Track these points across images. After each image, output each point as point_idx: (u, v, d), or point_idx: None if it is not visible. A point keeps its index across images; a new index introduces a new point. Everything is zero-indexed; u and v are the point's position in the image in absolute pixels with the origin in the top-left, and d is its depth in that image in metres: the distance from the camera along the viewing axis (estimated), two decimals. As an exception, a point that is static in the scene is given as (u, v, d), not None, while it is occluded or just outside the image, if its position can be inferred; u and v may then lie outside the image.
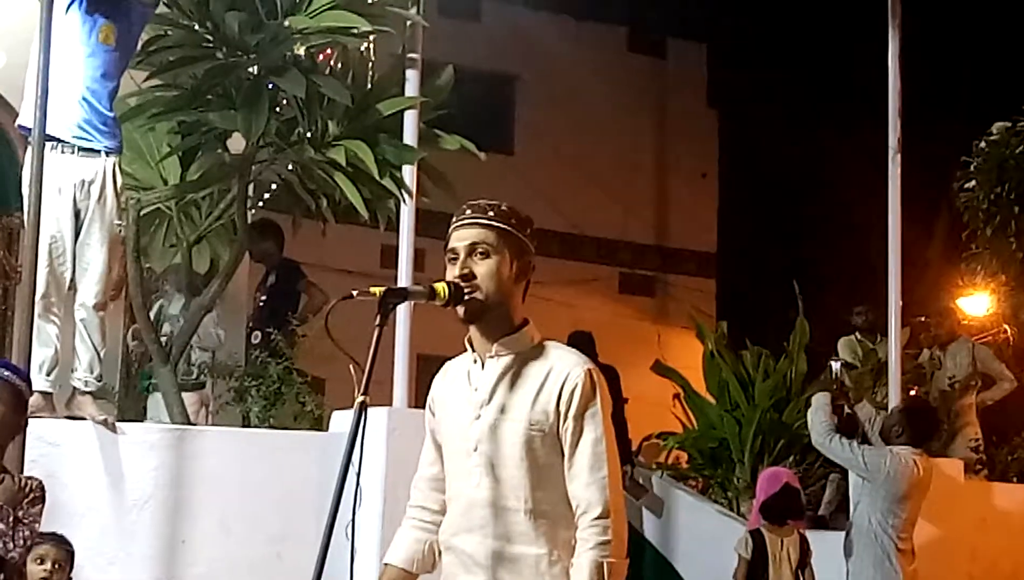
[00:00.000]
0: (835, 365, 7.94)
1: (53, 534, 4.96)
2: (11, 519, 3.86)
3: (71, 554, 4.94)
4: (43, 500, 4.15)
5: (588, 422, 3.17)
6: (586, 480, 3.14)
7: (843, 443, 7.02)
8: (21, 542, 3.88)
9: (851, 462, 7.01)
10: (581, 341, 8.15)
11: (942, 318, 9.74)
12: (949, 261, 11.38)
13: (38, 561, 4.83)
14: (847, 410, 7.42)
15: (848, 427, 7.32)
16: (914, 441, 6.97)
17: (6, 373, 4.18)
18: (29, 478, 4.13)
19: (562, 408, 3.17)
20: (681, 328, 14.23)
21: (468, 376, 3.30)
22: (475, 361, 3.29)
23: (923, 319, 9.59)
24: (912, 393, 8.68)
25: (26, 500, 4.00)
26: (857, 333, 9.86)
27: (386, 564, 3.38)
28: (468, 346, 3.31)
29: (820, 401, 7.18)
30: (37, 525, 4.02)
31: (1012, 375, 9.67)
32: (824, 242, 16.03)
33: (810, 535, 8.60)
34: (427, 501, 3.38)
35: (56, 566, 4.85)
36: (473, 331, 3.28)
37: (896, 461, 6.84)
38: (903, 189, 8.05)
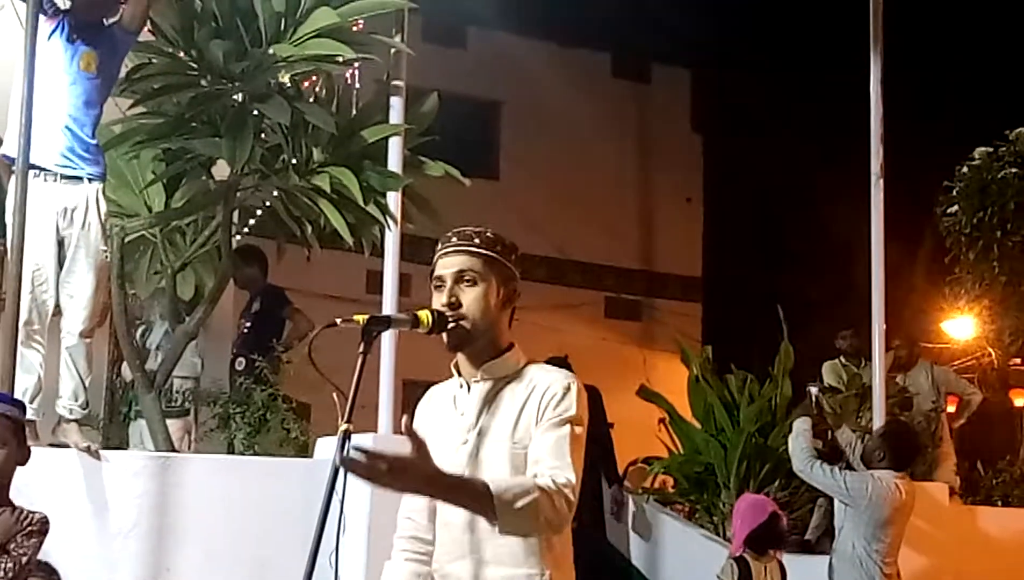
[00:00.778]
0: (813, 390, 7.92)
1: (39, 563, 4.93)
2: None
3: None
4: (42, 534, 4.12)
5: (561, 424, 3.13)
6: (552, 464, 3.08)
7: (824, 469, 6.99)
8: (2, 573, 3.85)
9: (833, 488, 6.98)
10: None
11: (903, 343, 9.77)
12: (933, 285, 11.43)
13: None
14: (829, 435, 7.40)
15: (832, 453, 7.31)
16: (896, 464, 6.95)
17: (8, 408, 4.14)
18: (32, 512, 4.11)
19: (540, 414, 3.16)
20: (667, 352, 14.23)
21: (454, 401, 3.30)
22: (461, 386, 3.29)
23: (897, 344, 9.62)
24: (894, 417, 8.68)
25: (21, 533, 3.97)
26: (842, 357, 9.89)
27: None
28: (455, 371, 3.32)
29: (800, 427, 7.17)
30: (26, 558, 3.98)
31: (976, 388, 9.75)
32: (808, 267, 16.07)
33: (797, 560, 8.61)
34: (420, 531, 3.34)
35: None
36: (460, 357, 3.29)
37: (878, 486, 6.82)
38: (886, 214, 8.08)
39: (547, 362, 3.43)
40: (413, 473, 2.91)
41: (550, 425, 3.15)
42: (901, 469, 6.97)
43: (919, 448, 7.57)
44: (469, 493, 2.99)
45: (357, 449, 2.87)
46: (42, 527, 4.09)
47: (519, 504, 2.97)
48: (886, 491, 6.81)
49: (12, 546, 3.90)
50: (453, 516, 3.23)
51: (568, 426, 3.15)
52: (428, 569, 3.30)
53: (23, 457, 4.34)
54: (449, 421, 3.29)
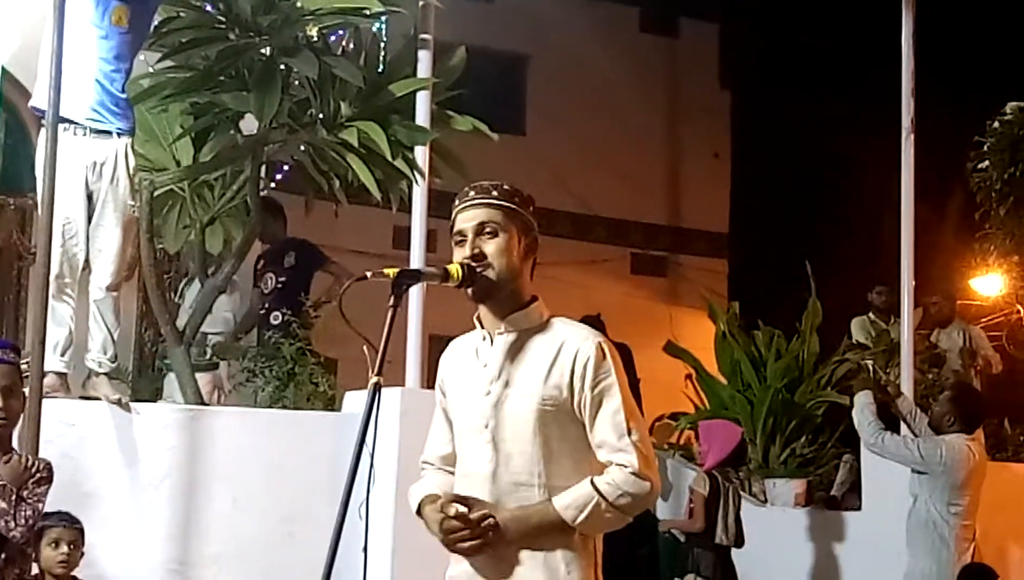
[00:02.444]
0: (870, 363, 7.85)
1: (59, 513, 4.97)
2: (14, 498, 3.85)
3: (81, 531, 4.97)
4: (50, 480, 4.14)
5: (605, 393, 3.18)
6: (614, 446, 3.16)
7: (895, 439, 6.89)
8: (23, 521, 3.86)
9: (907, 457, 6.82)
10: (590, 324, 8.16)
11: (944, 299, 9.74)
12: (962, 241, 11.34)
13: (52, 546, 4.85)
14: (895, 400, 7.29)
15: (895, 421, 7.23)
16: (965, 427, 6.80)
17: (10, 355, 4.14)
18: (38, 458, 4.12)
19: (576, 383, 3.18)
20: (693, 308, 14.23)
21: (476, 353, 3.31)
22: (484, 338, 3.30)
23: (933, 300, 9.60)
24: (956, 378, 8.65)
25: (32, 480, 3.98)
26: (871, 313, 9.87)
27: (424, 497, 3.32)
28: (478, 323, 3.32)
29: (862, 401, 7.03)
30: (41, 505, 4.00)
31: (997, 355, 9.73)
32: (837, 222, 15.99)
33: (824, 516, 8.67)
34: (439, 483, 3.37)
35: (71, 547, 4.88)
36: (483, 309, 3.29)
37: (951, 450, 6.70)
38: (916, 169, 8.02)
39: (581, 321, 3.43)
40: (500, 516, 3.15)
41: (597, 400, 3.18)
42: (971, 431, 6.83)
43: (986, 409, 7.45)
44: (543, 516, 3.15)
45: (457, 516, 3.14)
46: (49, 473, 4.11)
47: (581, 517, 3.14)
48: (959, 454, 6.69)
49: (26, 493, 3.91)
50: (472, 468, 3.26)
51: (616, 394, 3.19)
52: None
53: (24, 402, 4.36)
54: (472, 373, 3.30)
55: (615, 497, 3.13)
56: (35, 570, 4.74)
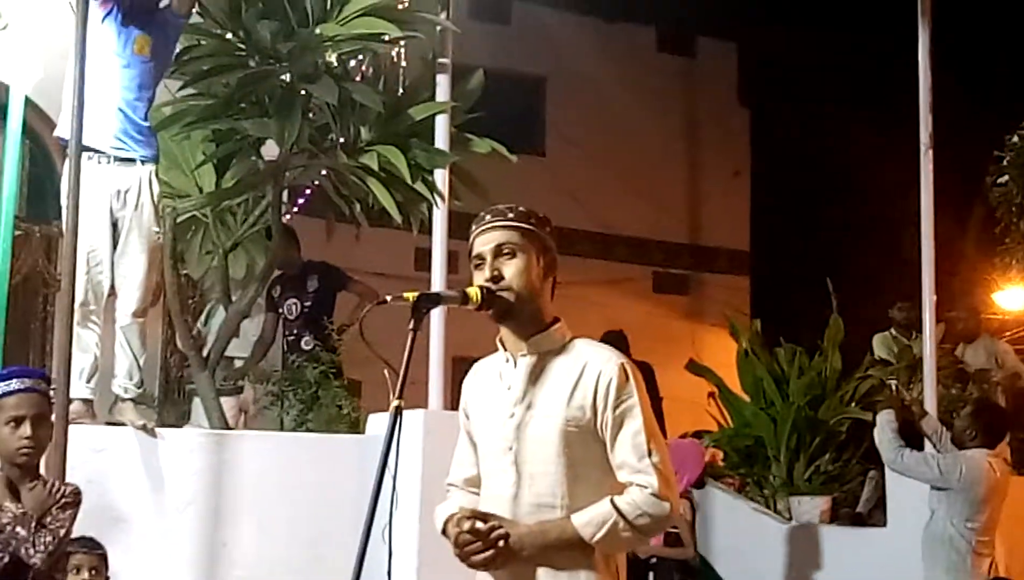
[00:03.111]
0: (894, 383, 7.85)
1: (82, 539, 5.00)
2: (33, 525, 3.85)
3: (104, 557, 4.98)
4: (76, 505, 4.13)
5: (626, 414, 3.20)
6: (635, 467, 3.17)
7: (915, 456, 6.86)
8: (42, 548, 3.86)
9: (926, 474, 6.80)
10: (614, 340, 8.18)
11: (969, 314, 9.70)
12: (983, 256, 11.32)
13: (74, 571, 4.87)
14: (917, 419, 7.28)
15: (919, 440, 7.21)
16: (987, 442, 6.78)
17: (41, 385, 4.17)
18: (65, 483, 4.13)
19: (599, 404, 3.19)
20: (715, 326, 14.21)
21: (500, 375, 3.33)
22: (507, 360, 3.32)
23: (955, 314, 9.57)
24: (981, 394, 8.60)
25: (55, 506, 3.99)
26: (893, 329, 9.85)
27: (448, 517, 3.32)
28: (500, 346, 3.34)
29: (884, 418, 7.01)
30: (64, 531, 4.00)
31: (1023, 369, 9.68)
32: (858, 239, 15.97)
33: (850, 533, 8.63)
34: (464, 504, 3.40)
35: (92, 572, 4.90)
36: (504, 330, 3.31)
37: (971, 465, 6.67)
38: (936, 185, 8.01)
39: (604, 336, 3.46)
40: (515, 530, 3.16)
41: (618, 420, 3.20)
42: (992, 446, 6.80)
43: (1009, 424, 7.42)
44: (561, 532, 3.16)
45: (471, 530, 3.16)
46: (75, 498, 4.11)
47: (600, 535, 3.15)
48: (979, 470, 6.65)
49: (48, 519, 3.92)
50: (496, 490, 3.27)
51: (637, 415, 3.20)
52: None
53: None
54: (496, 395, 3.32)
55: (634, 516, 3.14)
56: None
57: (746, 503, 9.32)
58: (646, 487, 3.15)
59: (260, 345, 8.16)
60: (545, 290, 3.31)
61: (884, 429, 6.96)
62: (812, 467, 9.11)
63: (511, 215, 3.29)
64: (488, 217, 3.30)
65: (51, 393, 4.44)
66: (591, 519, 3.15)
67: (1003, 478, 6.81)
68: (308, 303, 8.09)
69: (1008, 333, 11.34)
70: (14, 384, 4.00)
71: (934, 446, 7.23)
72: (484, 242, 3.28)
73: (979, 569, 6.64)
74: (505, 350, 3.33)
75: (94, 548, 4.97)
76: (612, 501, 3.15)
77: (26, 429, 3.94)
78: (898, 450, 6.86)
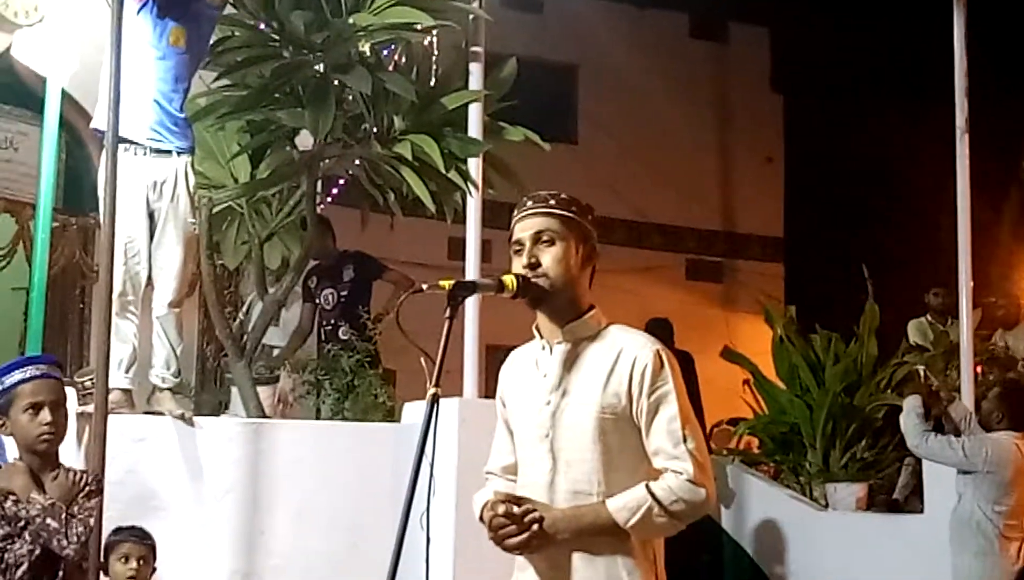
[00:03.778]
0: (921, 369, 7.79)
1: (133, 528, 5.05)
2: (63, 516, 3.83)
3: (153, 548, 5.04)
4: (100, 492, 4.13)
5: (662, 401, 3.19)
6: (670, 453, 3.17)
7: (940, 440, 6.79)
8: (75, 538, 3.85)
9: (951, 458, 6.76)
10: (658, 328, 8.18)
11: (1009, 301, 9.64)
12: (1020, 241, 11.25)
13: (122, 560, 4.94)
14: (945, 405, 7.22)
15: (947, 427, 7.16)
16: (1014, 424, 6.72)
17: (55, 371, 4.15)
18: (84, 471, 4.11)
19: (634, 390, 3.19)
20: (749, 313, 14.17)
21: (536, 363, 3.33)
22: (543, 347, 3.32)
23: (993, 300, 9.51)
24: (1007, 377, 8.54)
25: (81, 494, 3.97)
26: (928, 315, 9.80)
27: (485, 503, 3.32)
28: (536, 333, 3.34)
29: (910, 404, 6.95)
30: (92, 519, 3.99)
31: None
32: (892, 224, 15.87)
33: (886, 519, 8.60)
34: (501, 490, 3.40)
35: (140, 562, 4.96)
36: (541, 318, 3.32)
37: (997, 448, 6.62)
38: (972, 169, 7.95)
39: (648, 324, 3.46)
40: (549, 514, 3.16)
41: (654, 407, 3.19)
42: (1020, 428, 6.74)
43: None
44: (596, 516, 3.16)
45: (505, 514, 3.17)
46: (98, 485, 4.09)
47: (634, 519, 3.14)
48: (1006, 452, 6.60)
49: (76, 509, 3.91)
50: (533, 478, 3.28)
51: (673, 402, 3.20)
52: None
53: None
54: (532, 383, 3.32)
55: (670, 502, 3.14)
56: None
57: (782, 490, 9.29)
58: (681, 473, 3.15)
59: (297, 335, 8.20)
60: (583, 278, 3.30)
61: (910, 414, 6.93)
62: (848, 454, 9.07)
63: (552, 202, 3.29)
64: (530, 203, 3.30)
65: (87, 381, 4.48)
66: (626, 504, 3.15)
67: None
68: (344, 293, 8.12)
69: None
70: (30, 371, 3.98)
71: (961, 433, 7.18)
72: (524, 228, 3.27)
73: (1008, 552, 6.58)
74: (541, 337, 3.33)
75: (144, 539, 5.02)
76: (647, 486, 3.15)
77: (45, 415, 3.93)
78: (923, 434, 6.82)
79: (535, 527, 3.15)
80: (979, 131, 8.02)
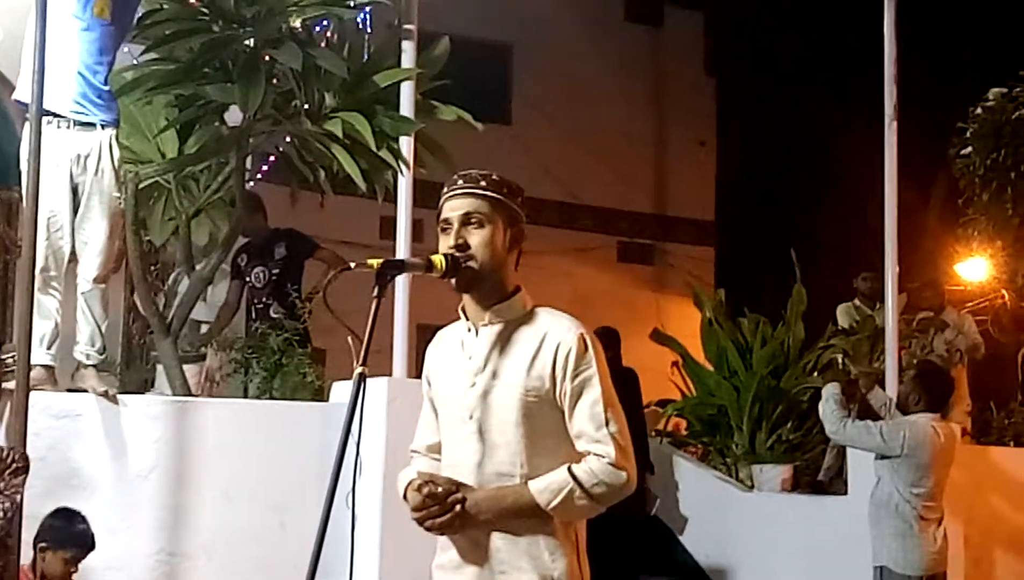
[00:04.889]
0: (839, 357, 7.88)
1: (61, 510, 4.96)
2: None
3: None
4: (26, 470, 4.08)
5: (585, 384, 3.19)
6: (592, 436, 3.17)
7: (857, 426, 6.84)
8: (1, 514, 3.82)
9: (870, 443, 6.81)
10: (605, 336, 8.17)
11: (932, 291, 9.75)
12: (946, 227, 11.40)
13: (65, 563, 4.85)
14: (864, 393, 7.30)
15: (867, 414, 7.23)
16: (932, 406, 6.80)
17: None
18: (12, 449, 4.06)
19: (558, 374, 3.19)
20: (679, 296, 14.27)
21: (462, 345, 3.32)
22: (469, 329, 3.31)
23: (918, 286, 9.64)
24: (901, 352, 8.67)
25: (8, 471, 3.93)
26: (857, 299, 9.91)
27: (408, 482, 3.30)
28: (462, 314, 3.33)
29: (829, 391, 7.00)
30: (19, 496, 3.95)
31: (982, 341, 9.76)
32: (822, 209, 16.04)
33: (810, 501, 8.71)
34: (425, 470, 3.40)
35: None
36: (467, 299, 3.30)
37: (915, 431, 6.67)
38: (900, 156, 8.04)
39: (598, 331, 3.44)
40: (471, 495, 3.17)
41: (577, 390, 3.19)
42: (937, 410, 6.82)
43: (952, 387, 7.45)
44: (517, 497, 3.17)
45: (429, 494, 3.17)
46: (25, 463, 4.06)
47: (556, 501, 3.15)
48: (923, 435, 6.66)
49: (2, 486, 3.86)
50: (456, 459, 3.27)
51: (596, 385, 3.19)
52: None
53: None
54: (457, 364, 3.31)
55: (591, 485, 3.14)
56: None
57: (709, 471, 9.38)
58: (603, 456, 3.16)
59: (225, 311, 8.12)
60: (509, 261, 3.29)
61: (828, 401, 6.97)
62: (774, 436, 9.18)
63: (483, 183, 3.27)
64: (460, 181, 3.28)
65: (8, 358, 4.40)
66: (548, 486, 3.15)
67: (948, 443, 6.81)
68: (276, 271, 8.03)
69: (970, 303, 11.41)
70: None
71: (881, 419, 7.26)
72: (453, 208, 3.26)
73: (927, 534, 6.66)
74: (467, 319, 3.32)
75: (72, 516, 4.99)
76: (569, 469, 3.16)
77: None
78: (840, 420, 6.86)
79: (457, 508, 3.15)
80: (908, 118, 8.11)
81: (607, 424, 3.17)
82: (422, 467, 3.38)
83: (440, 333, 3.44)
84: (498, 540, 3.19)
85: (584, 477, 3.14)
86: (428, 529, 3.20)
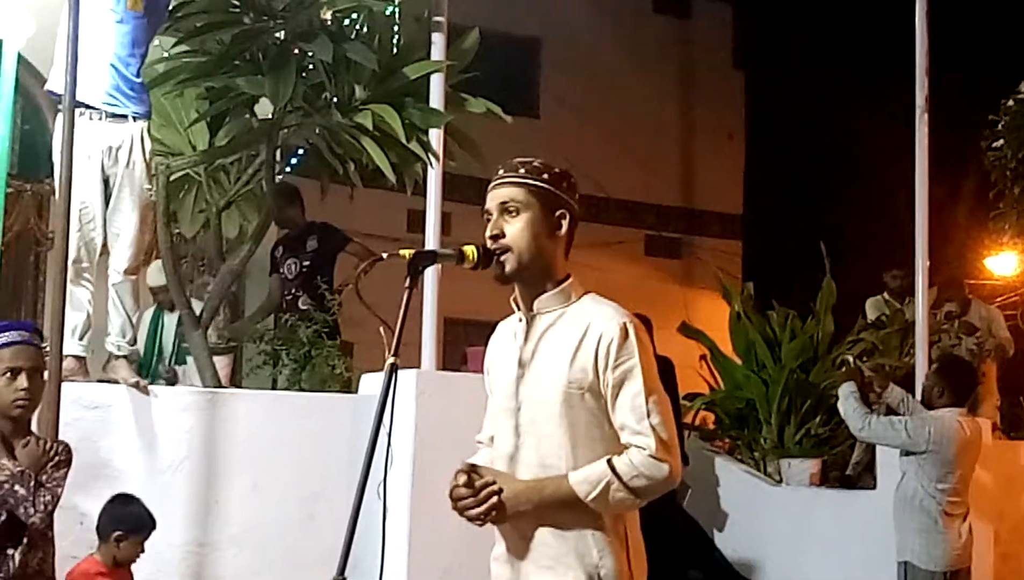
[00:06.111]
0: (850, 358, 7.83)
1: (123, 495, 5.04)
2: (32, 483, 3.83)
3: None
4: (69, 463, 4.11)
5: (626, 376, 3.14)
6: (634, 428, 3.13)
7: (882, 422, 6.79)
8: (42, 507, 3.85)
9: (895, 439, 6.75)
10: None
11: (954, 296, 9.65)
12: (977, 221, 11.33)
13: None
14: (879, 393, 7.24)
15: (891, 410, 7.17)
16: (956, 400, 6.75)
17: (35, 338, 4.14)
18: (56, 441, 4.11)
19: (600, 364, 3.15)
20: (707, 290, 14.23)
21: (515, 335, 3.30)
22: (520, 319, 3.29)
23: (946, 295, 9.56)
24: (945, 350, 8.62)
25: (50, 464, 3.97)
26: (885, 293, 9.86)
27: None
28: (514, 305, 3.31)
29: (846, 390, 6.96)
30: (60, 489, 3.99)
31: (1011, 339, 9.67)
32: (851, 203, 15.95)
33: (839, 495, 8.68)
34: (485, 460, 3.38)
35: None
36: (518, 289, 3.28)
37: (940, 426, 6.62)
38: (930, 149, 8.00)
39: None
40: (509, 486, 3.15)
41: (619, 381, 3.14)
42: (962, 403, 6.75)
43: (976, 380, 7.38)
44: (556, 489, 3.14)
45: (465, 484, 3.15)
46: (68, 456, 4.09)
47: (594, 493, 3.11)
48: (949, 430, 6.61)
49: (45, 478, 3.91)
50: (504, 449, 3.26)
51: (638, 376, 3.14)
52: None
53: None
54: (510, 355, 3.29)
55: (630, 477, 3.10)
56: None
57: (736, 465, 9.36)
58: (644, 449, 3.12)
59: (265, 306, 8.13)
60: (553, 247, 3.26)
61: (848, 400, 6.90)
62: (803, 430, 9.15)
63: (522, 171, 3.25)
64: (501, 172, 3.27)
65: (42, 347, 4.42)
66: (586, 477, 3.12)
67: (974, 437, 6.76)
68: (306, 263, 8.04)
69: (1000, 298, 11.34)
70: (11, 336, 3.99)
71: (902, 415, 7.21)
72: (493, 198, 3.24)
73: (951, 530, 6.61)
74: (518, 310, 3.30)
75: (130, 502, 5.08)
76: (609, 461, 3.12)
77: (22, 381, 3.93)
78: (864, 417, 6.80)
79: (493, 499, 3.13)
80: (939, 110, 8.06)
81: (648, 415, 3.13)
82: (483, 457, 3.38)
83: (500, 324, 3.42)
84: (546, 534, 3.17)
85: (623, 469, 3.11)
86: (470, 520, 3.19)
